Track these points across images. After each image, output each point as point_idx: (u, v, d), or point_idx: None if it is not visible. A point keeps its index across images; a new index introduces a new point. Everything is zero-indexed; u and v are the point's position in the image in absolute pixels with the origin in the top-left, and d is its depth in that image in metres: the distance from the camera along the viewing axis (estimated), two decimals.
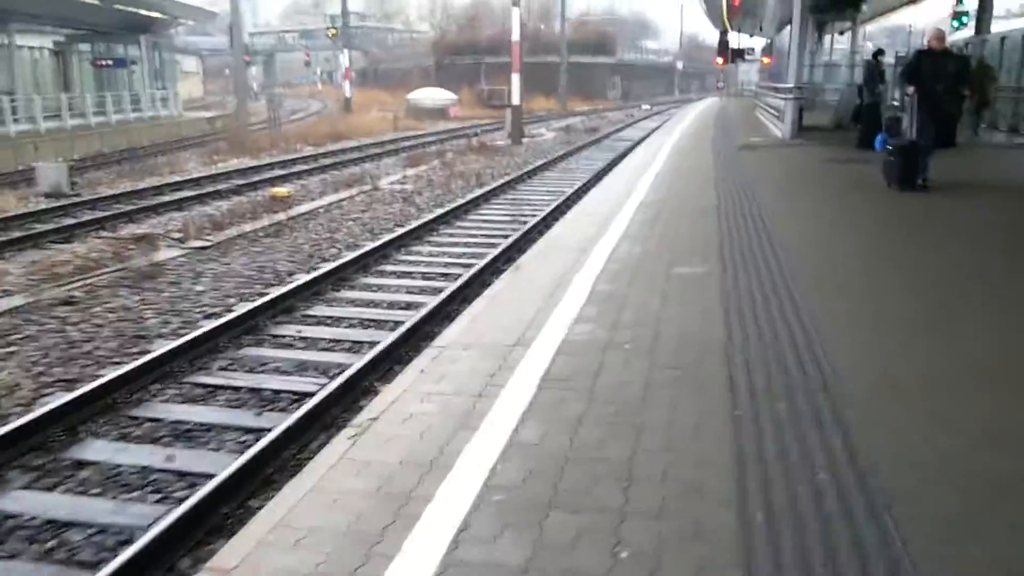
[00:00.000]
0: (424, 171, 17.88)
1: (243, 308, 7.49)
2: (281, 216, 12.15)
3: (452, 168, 18.38)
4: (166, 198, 14.32)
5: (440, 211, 12.39)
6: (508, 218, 12.31)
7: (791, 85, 16.87)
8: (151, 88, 33.14)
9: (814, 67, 25.67)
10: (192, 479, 4.57)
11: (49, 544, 3.86)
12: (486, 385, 3.77)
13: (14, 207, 13.16)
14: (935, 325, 4.63)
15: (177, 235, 10.88)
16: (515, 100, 25.68)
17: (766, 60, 38.94)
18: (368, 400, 4.52)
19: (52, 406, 5.23)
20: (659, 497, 2.72)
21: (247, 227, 11.40)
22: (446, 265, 9.41)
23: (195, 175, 17.61)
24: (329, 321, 7.39)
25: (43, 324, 7.18)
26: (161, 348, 6.35)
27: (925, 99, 9.68)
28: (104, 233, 11.35)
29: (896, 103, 15.66)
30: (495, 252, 9.49)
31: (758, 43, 46.57)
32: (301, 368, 6.26)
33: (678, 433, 3.21)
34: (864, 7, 25.13)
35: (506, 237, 10.56)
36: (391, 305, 7.86)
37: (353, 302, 8.01)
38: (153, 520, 4.00)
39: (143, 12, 30.11)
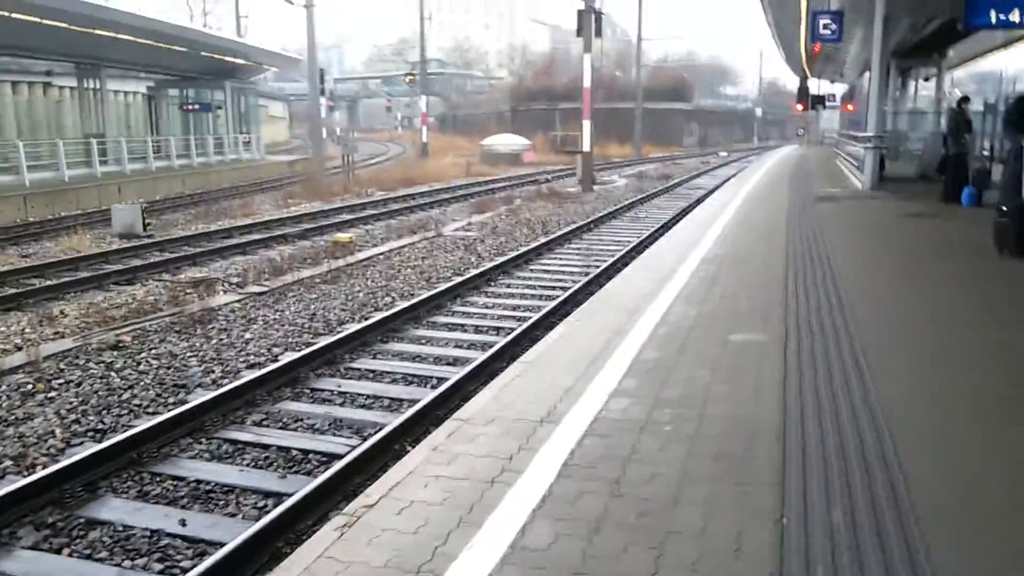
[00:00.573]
0: (490, 218, 17.73)
1: (287, 358, 7.33)
2: (340, 262, 12.10)
3: (518, 215, 18.20)
4: (234, 241, 14.52)
5: (500, 260, 12.15)
6: (568, 269, 11.97)
7: (871, 134, 16.14)
8: (234, 132, 34.26)
9: (897, 114, 24.72)
10: (202, 547, 4.35)
11: None
12: (501, 470, 3.41)
13: (87, 247, 13.52)
14: None
15: (236, 280, 10.91)
16: (586, 147, 25.46)
17: (850, 108, 37.95)
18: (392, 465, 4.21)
19: (76, 459, 5.11)
20: None
21: (306, 273, 11.37)
22: (499, 318, 9.11)
23: (266, 218, 17.89)
24: (371, 375, 7.17)
25: (87, 369, 7.16)
26: (197, 399, 6.21)
27: None
28: (166, 276, 11.49)
29: (986, 153, 14.79)
30: (550, 306, 9.15)
31: (840, 89, 45.55)
32: (335, 426, 6.03)
33: (712, 544, 2.78)
34: (950, 52, 24.12)
35: (565, 289, 10.23)
36: (437, 360, 7.59)
37: (399, 355, 7.77)
38: None
39: (228, 59, 31.25)
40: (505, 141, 43.72)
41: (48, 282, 10.81)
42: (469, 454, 3.63)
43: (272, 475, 5.20)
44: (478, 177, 31.33)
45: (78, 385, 6.78)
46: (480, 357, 7.31)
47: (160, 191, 24.97)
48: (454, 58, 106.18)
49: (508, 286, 10.82)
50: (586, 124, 25.63)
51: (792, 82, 57.47)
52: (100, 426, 5.98)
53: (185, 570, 4.10)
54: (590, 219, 17.22)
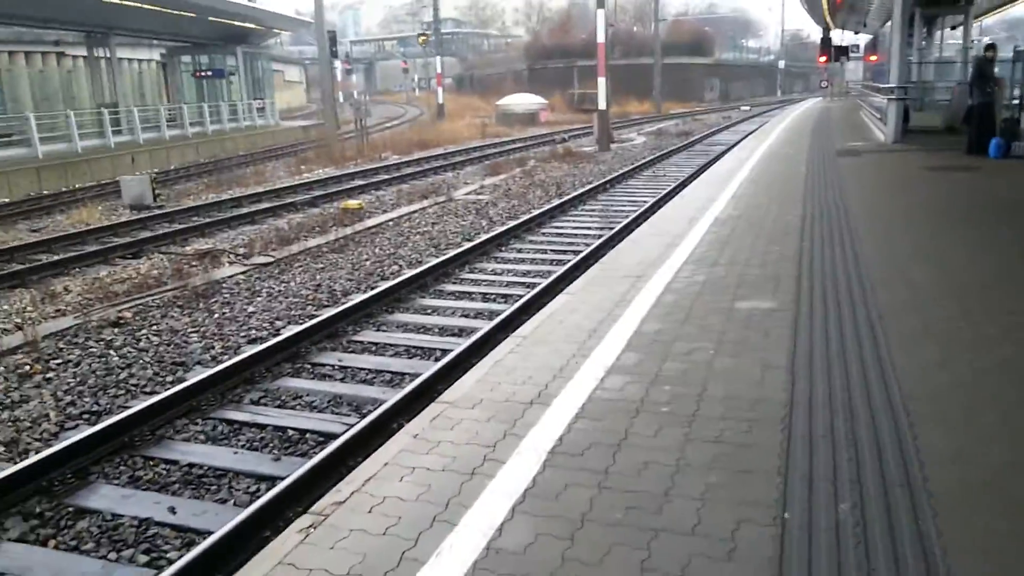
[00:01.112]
0: (503, 180, 17.42)
1: (289, 332, 7.18)
2: (348, 230, 11.91)
3: (533, 177, 17.87)
4: (243, 210, 14.36)
5: (512, 224, 11.88)
6: (582, 232, 11.69)
7: (893, 85, 15.55)
8: (248, 98, 33.99)
9: (923, 64, 23.88)
10: (190, 535, 4.23)
11: None
12: (483, 459, 3.22)
13: (96, 220, 13.43)
14: None
15: (242, 251, 10.77)
16: (601, 104, 24.93)
17: (873, 58, 36.89)
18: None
19: (66, 444, 5.00)
20: None
21: (313, 242, 11.19)
22: (508, 285, 8.89)
23: (277, 186, 17.71)
24: (374, 348, 7.00)
25: (86, 348, 7.06)
26: (195, 378, 6.08)
27: None
28: (173, 248, 11.36)
29: (1016, 103, 14.21)
30: (560, 271, 8.92)
31: (864, 39, 44.29)
32: (335, 403, 5.88)
33: (704, 545, 2.57)
34: None
35: (577, 253, 9.98)
36: (442, 331, 7.41)
37: (404, 326, 7.60)
38: None
39: (238, 24, 30.86)
40: (521, 101, 43.07)
41: (54, 257, 10.73)
42: (451, 441, 3.44)
43: (266, 457, 5.06)
44: (493, 138, 30.89)
45: (76, 365, 6.68)
46: (486, 326, 7.13)
47: (174, 160, 24.88)
48: (470, 17, 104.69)
49: (519, 251, 10.58)
50: (601, 81, 25.07)
51: (816, 33, 56.04)
52: (95, 408, 5.88)
53: (171, 561, 3.98)
54: (605, 179, 16.85)
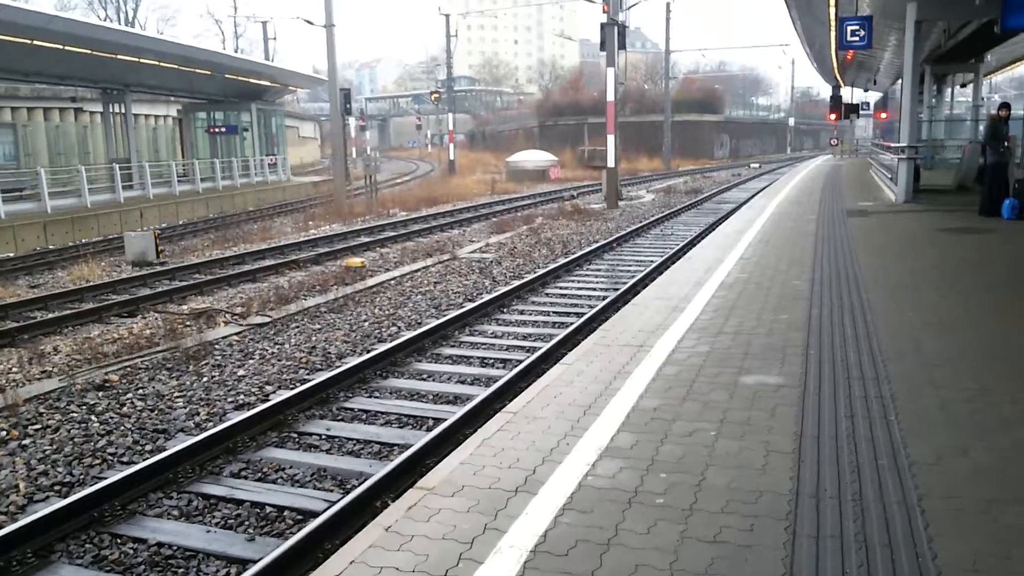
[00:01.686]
0: (509, 238, 17.28)
1: (277, 398, 6.93)
2: (349, 289, 11.73)
3: (539, 235, 17.73)
4: (245, 267, 14.24)
5: (516, 284, 11.66)
6: (586, 293, 11.45)
7: (904, 143, 15.41)
8: (261, 153, 34.31)
9: (933, 122, 23.85)
10: None
11: None
12: (458, 559, 2.93)
13: (97, 276, 13.31)
14: None
15: (239, 310, 10.58)
16: (610, 162, 24.93)
17: (883, 116, 37.03)
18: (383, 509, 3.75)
19: (31, 519, 4.73)
20: None
21: (312, 301, 11.00)
22: (507, 349, 8.64)
23: (282, 242, 17.63)
24: (364, 417, 6.75)
25: (67, 413, 6.82)
26: (175, 447, 5.81)
27: None
28: (171, 307, 11.19)
29: None
30: (561, 334, 8.66)
31: (874, 97, 44.56)
32: (318, 477, 5.59)
33: None
34: (988, 56, 23.25)
35: (580, 315, 9.74)
36: (436, 398, 7.15)
37: (397, 392, 7.34)
38: None
39: (253, 81, 31.31)
40: (531, 157, 43.32)
41: (49, 315, 10.57)
42: (425, 536, 3.15)
43: (240, 537, 4.77)
44: (502, 195, 30.93)
45: (55, 431, 6.44)
46: (482, 394, 6.87)
47: (183, 215, 24.96)
48: (484, 75, 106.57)
49: (521, 313, 10.34)
50: (610, 139, 25.12)
51: (825, 91, 56.52)
52: (68, 479, 5.62)
53: None
54: (612, 238, 16.68)
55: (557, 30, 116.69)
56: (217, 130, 34.32)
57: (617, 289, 11.17)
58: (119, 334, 9.39)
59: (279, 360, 8.36)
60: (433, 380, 7.69)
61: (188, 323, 9.85)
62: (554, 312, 10.29)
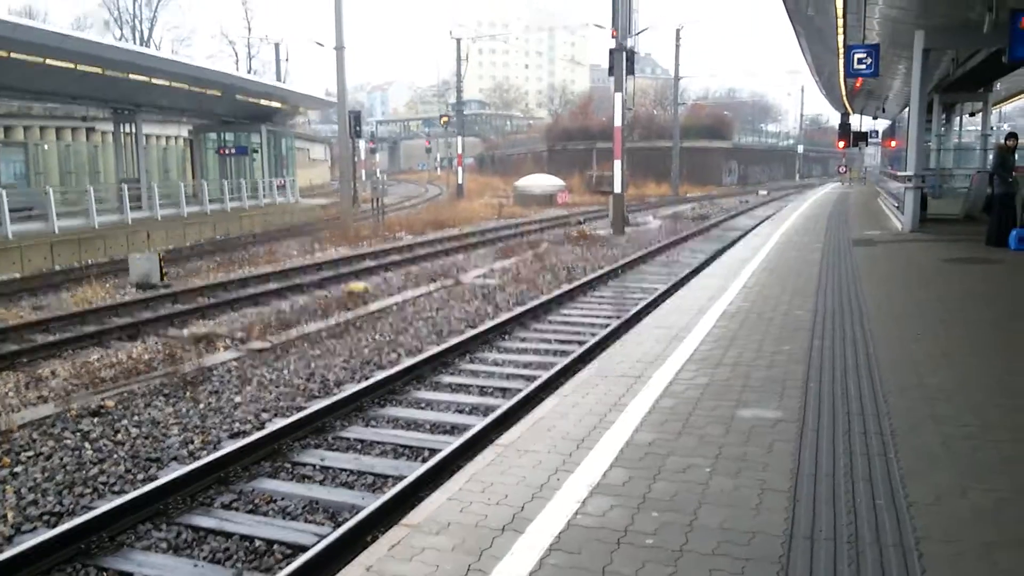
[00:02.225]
0: (514, 263, 17.24)
1: (274, 426, 6.87)
2: (350, 314, 11.69)
3: (544, 260, 17.68)
4: (249, 291, 14.22)
5: (518, 310, 11.59)
6: (588, 320, 11.38)
7: (911, 172, 15.34)
8: (271, 175, 34.48)
9: (942, 151, 23.80)
10: None
11: None
12: None
13: (100, 299, 13.32)
14: None
15: (240, 335, 10.54)
16: (617, 188, 24.92)
17: (892, 144, 37.00)
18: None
19: (15, 551, 4.67)
20: None
21: (313, 326, 10.95)
22: (507, 377, 8.56)
23: (287, 266, 17.63)
24: (359, 446, 6.68)
25: (61, 439, 6.77)
26: (167, 477, 5.75)
27: None
28: (172, 331, 11.16)
29: None
30: (563, 363, 8.58)
31: (883, 125, 44.58)
32: (309, 509, 5.51)
33: None
34: (997, 85, 23.23)
35: (581, 343, 9.66)
36: (433, 428, 7.07)
37: (394, 421, 7.27)
38: None
39: (263, 102, 31.53)
40: (539, 182, 43.41)
41: (50, 338, 10.55)
42: None
43: (227, 572, 4.70)
44: (509, 219, 30.94)
45: (47, 458, 6.38)
46: (479, 424, 6.80)
47: (190, 237, 25.03)
48: (494, 98, 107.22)
49: (522, 340, 10.27)
50: (617, 164, 25.13)
51: (835, 118, 56.58)
52: (58, 508, 5.55)
53: None
54: (617, 264, 16.62)
55: (568, 55, 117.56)
56: (227, 151, 34.53)
57: (620, 317, 11.09)
58: (118, 358, 9.35)
59: (277, 387, 8.30)
60: (431, 409, 7.62)
61: (188, 348, 9.81)
62: (556, 340, 10.22)
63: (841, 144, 38.62)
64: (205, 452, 6.52)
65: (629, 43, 25.40)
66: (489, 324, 10.73)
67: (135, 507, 5.33)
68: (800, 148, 78.94)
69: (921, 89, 15.38)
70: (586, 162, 59.38)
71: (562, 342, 10.06)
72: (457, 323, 11.27)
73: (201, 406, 7.67)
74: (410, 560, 3.21)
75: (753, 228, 22.03)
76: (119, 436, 6.86)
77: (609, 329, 10.16)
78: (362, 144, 46.81)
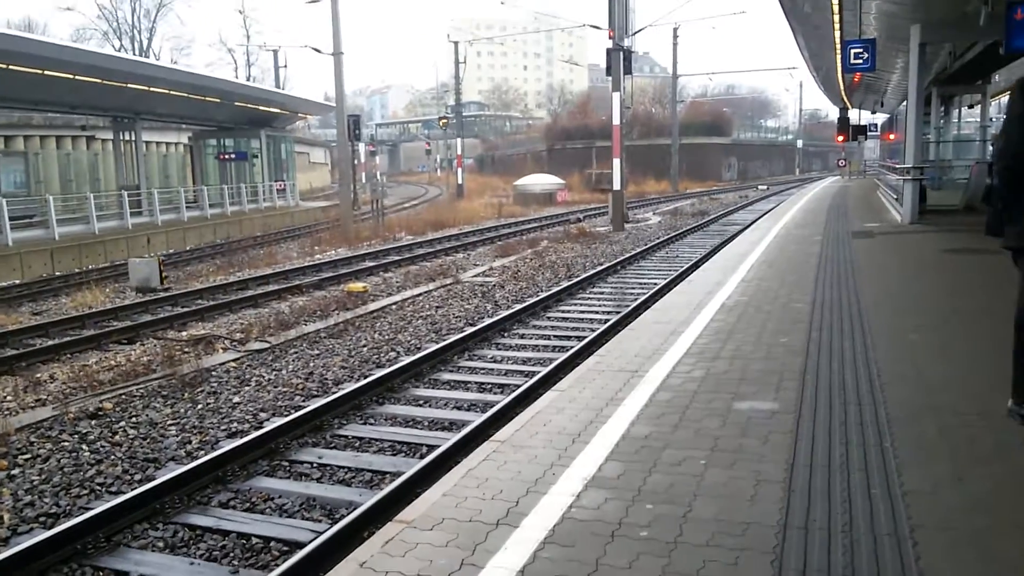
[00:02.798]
0: (513, 262, 17.22)
1: (271, 425, 6.87)
2: (349, 314, 11.68)
3: (543, 258, 17.67)
4: (248, 293, 14.22)
5: (517, 307, 11.58)
6: (588, 316, 11.36)
7: (909, 164, 15.31)
8: (270, 179, 34.51)
9: (941, 143, 23.76)
10: None
11: None
12: None
13: (100, 303, 13.32)
14: None
15: (239, 336, 10.53)
16: (616, 185, 24.92)
17: (891, 137, 36.95)
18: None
19: (10, 552, 4.66)
20: None
21: (312, 327, 10.95)
22: (505, 374, 8.55)
23: (287, 267, 17.64)
24: (357, 444, 6.66)
25: (59, 442, 6.76)
26: (164, 476, 5.74)
27: None
28: (171, 333, 11.16)
29: None
30: (561, 358, 8.57)
31: (882, 118, 44.51)
32: (307, 507, 5.50)
33: None
34: (996, 77, 23.18)
35: (581, 339, 9.65)
36: (431, 424, 7.05)
37: (393, 419, 7.26)
38: None
39: (262, 108, 31.55)
40: (538, 181, 43.42)
41: (49, 342, 10.56)
42: (400, 572, 3.05)
43: (224, 570, 4.68)
44: (509, 218, 30.95)
45: (44, 461, 6.37)
46: (477, 419, 6.79)
47: (191, 241, 25.05)
48: (493, 100, 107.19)
49: (521, 337, 10.25)
50: (616, 162, 25.14)
51: (833, 112, 56.54)
52: (55, 510, 5.54)
53: None
54: (617, 260, 16.60)
55: (566, 56, 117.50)
56: (227, 157, 34.58)
57: (619, 312, 11.07)
58: (117, 361, 9.36)
59: (275, 387, 8.30)
60: (429, 406, 7.61)
61: (186, 350, 9.81)
62: (555, 336, 10.20)
63: (840, 138, 38.57)
64: (203, 452, 6.52)
65: (626, 43, 25.39)
66: (488, 321, 10.73)
67: (131, 507, 5.32)
68: (799, 143, 78.83)
69: (918, 83, 15.35)
70: (586, 161, 59.34)
71: (561, 337, 10.04)
72: (456, 321, 11.26)
73: (199, 407, 7.67)
74: (403, 556, 3.19)
75: (753, 222, 21.98)
76: (117, 437, 6.86)
77: (608, 324, 10.15)
78: (362, 147, 46.80)
